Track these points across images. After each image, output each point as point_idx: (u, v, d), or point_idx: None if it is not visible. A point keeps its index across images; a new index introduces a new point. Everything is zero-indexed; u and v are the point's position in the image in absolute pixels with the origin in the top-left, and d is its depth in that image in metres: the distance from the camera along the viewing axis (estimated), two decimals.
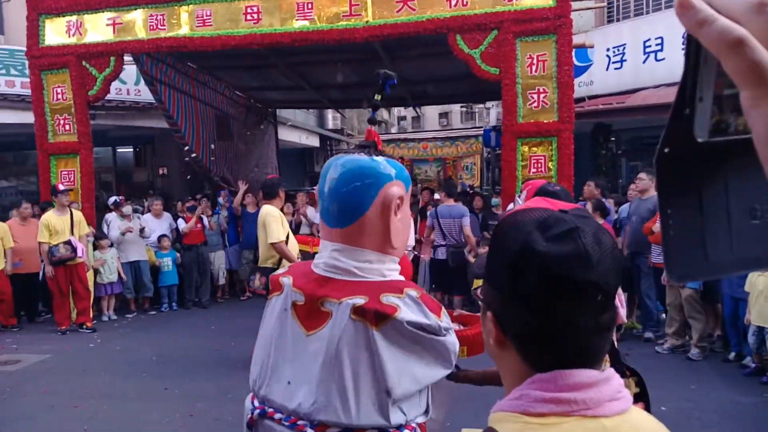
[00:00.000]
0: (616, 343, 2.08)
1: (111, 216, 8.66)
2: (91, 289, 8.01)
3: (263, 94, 13.25)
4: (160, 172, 12.81)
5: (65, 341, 7.31)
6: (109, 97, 8.74)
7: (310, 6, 7.33)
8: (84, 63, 7.83)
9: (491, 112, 24.97)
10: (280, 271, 1.86)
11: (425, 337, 1.58)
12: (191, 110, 10.23)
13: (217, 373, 5.75)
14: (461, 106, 33.58)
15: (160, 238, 8.87)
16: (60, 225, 7.54)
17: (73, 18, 7.80)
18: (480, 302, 0.90)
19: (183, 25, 7.55)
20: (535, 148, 7.20)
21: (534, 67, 7.04)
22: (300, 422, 1.61)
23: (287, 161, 16.75)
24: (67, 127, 7.99)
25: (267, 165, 13.94)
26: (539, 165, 7.19)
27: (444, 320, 1.62)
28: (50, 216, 7.59)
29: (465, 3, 7.18)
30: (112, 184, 13.24)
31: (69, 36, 7.84)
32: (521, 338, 0.81)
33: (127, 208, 8.72)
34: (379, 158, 1.71)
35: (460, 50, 7.23)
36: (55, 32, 7.88)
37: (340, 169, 1.67)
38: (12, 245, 7.93)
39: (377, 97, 1.92)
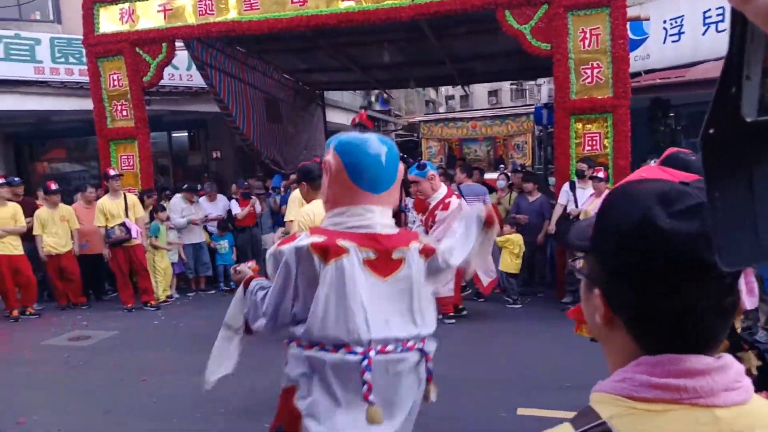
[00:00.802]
0: (738, 329, 2.04)
1: (176, 200, 8.90)
2: (163, 269, 8.33)
3: (311, 76, 13.34)
4: (214, 155, 13.08)
5: (131, 318, 7.62)
6: (162, 82, 8.95)
7: None
8: (138, 50, 8.04)
9: (543, 89, 24.44)
10: (311, 239, 2.07)
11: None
12: (241, 94, 10.39)
13: (276, 348, 5.86)
14: (511, 84, 33.03)
15: (219, 224, 9.12)
16: (115, 209, 7.83)
17: (126, 5, 8.00)
18: (580, 276, 0.85)
19: (231, 9, 7.64)
20: (589, 125, 7.02)
21: (587, 42, 6.84)
22: (409, 344, 2.11)
23: None
24: (124, 112, 8.24)
25: (315, 147, 14.07)
26: (594, 142, 7.01)
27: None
28: (105, 201, 7.90)
29: None
30: (168, 168, 13.62)
31: (122, 23, 8.06)
32: (633, 318, 0.76)
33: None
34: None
35: (509, 26, 7.07)
36: (109, 20, 8.11)
37: (383, 145, 2.12)
38: (77, 227, 8.30)
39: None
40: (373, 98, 22.33)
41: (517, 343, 5.86)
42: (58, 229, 8.16)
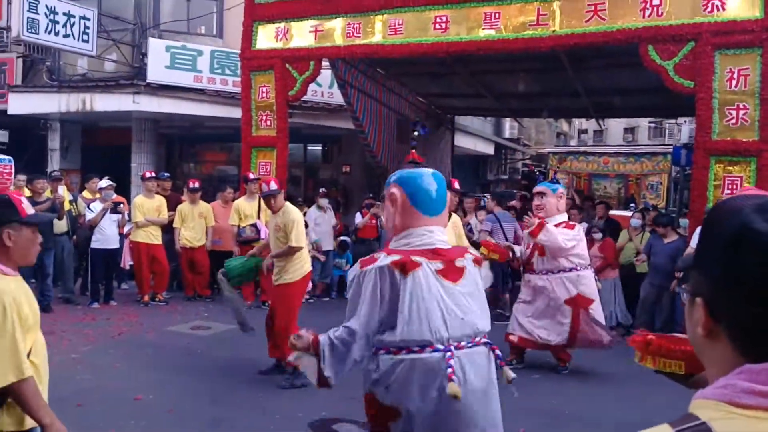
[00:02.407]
0: None
1: (312, 209, 9.42)
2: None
3: (443, 100, 13.58)
4: (344, 169, 13.66)
5: (250, 315, 8.06)
6: (305, 98, 9.54)
7: (497, 15, 7.43)
8: (287, 65, 8.65)
9: (683, 129, 23.07)
10: (391, 258, 2.46)
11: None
12: (375, 113, 10.82)
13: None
14: (650, 121, 31.48)
15: (339, 244, 9.55)
16: (249, 210, 8.43)
17: (282, 25, 8.65)
18: (687, 295, 0.88)
19: (376, 33, 8.04)
20: (730, 168, 6.64)
21: (734, 82, 6.50)
22: (476, 339, 2.48)
23: (460, 167, 16.97)
24: (268, 122, 8.89)
25: (441, 169, 14.21)
26: (734, 186, 6.60)
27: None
28: (241, 202, 8.54)
29: (660, 13, 6.82)
30: (301, 178, 14.39)
31: (277, 41, 8.72)
32: (736, 326, 0.78)
33: (324, 201, 9.49)
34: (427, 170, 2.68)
35: (652, 61, 6.88)
36: (266, 37, 8.81)
37: (433, 176, 2.61)
38: (213, 224, 9.02)
39: (415, 132, 2.69)
40: (507, 125, 22.20)
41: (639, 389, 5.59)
42: (195, 224, 8.90)
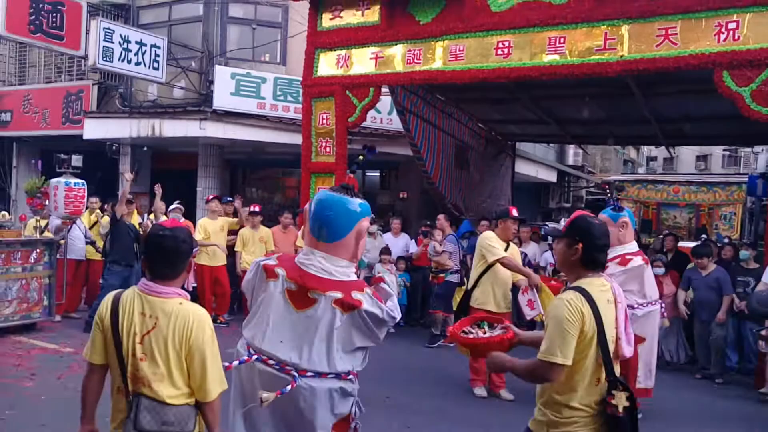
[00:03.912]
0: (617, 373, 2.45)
1: None
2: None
3: (504, 126, 13.39)
4: (401, 195, 13.61)
5: None
6: (364, 124, 9.56)
7: (562, 40, 7.24)
8: (347, 92, 8.69)
9: (760, 158, 21.99)
10: (270, 261, 2.71)
11: (373, 320, 2.54)
12: (434, 139, 10.74)
13: (434, 392, 5.90)
14: (723, 149, 30.20)
15: (397, 259, 9.41)
16: (211, 228, 8.70)
17: (343, 52, 8.73)
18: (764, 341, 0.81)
19: (437, 59, 7.98)
20: None
21: None
22: (287, 368, 2.52)
23: (521, 194, 16.63)
24: (327, 149, 8.93)
25: (500, 196, 14.00)
26: None
27: (389, 305, 2.60)
28: (204, 221, 8.86)
29: (736, 37, 6.46)
30: None
31: (338, 68, 8.79)
32: None
33: (373, 227, 9.44)
34: (355, 198, 2.58)
35: (727, 87, 6.51)
36: (327, 64, 8.90)
37: (329, 202, 2.55)
38: (273, 249, 9.09)
39: (360, 158, 2.73)
40: (571, 152, 21.66)
41: None
42: (256, 248, 9.00)
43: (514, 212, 5.97)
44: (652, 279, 5.55)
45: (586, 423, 2.39)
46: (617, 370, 2.46)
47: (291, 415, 2.56)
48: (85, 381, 2.55)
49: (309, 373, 2.51)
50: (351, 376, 2.60)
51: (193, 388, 2.40)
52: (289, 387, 2.48)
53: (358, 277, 2.70)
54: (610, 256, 5.22)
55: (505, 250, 5.70)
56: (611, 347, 2.40)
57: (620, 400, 2.32)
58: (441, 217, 9.03)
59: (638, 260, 5.39)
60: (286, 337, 2.54)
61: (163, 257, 2.43)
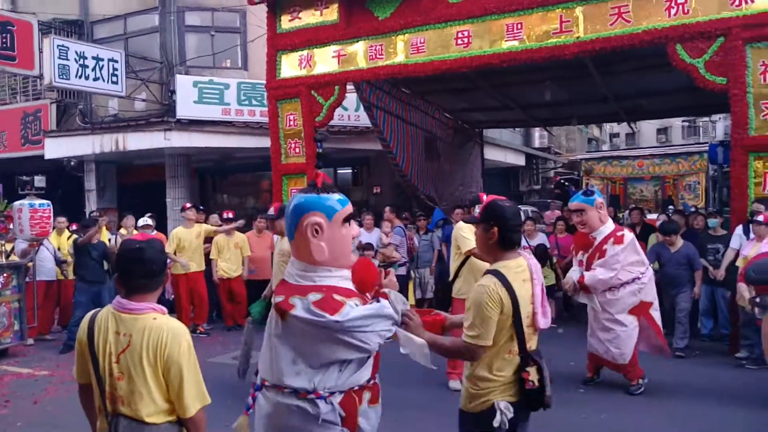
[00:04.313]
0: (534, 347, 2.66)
1: None
2: None
3: (470, 115, 13.54)
4: (374, 190, 13.66)
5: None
6: (332, 122, 9.57)
7: (519, 26, 7.37)
8: (312, 92, 8.71)
9: (718, 126, 22.62)
10: None
11: (318, 329, 2.09)
12: (402, 132, 10.81)
13: (404, 384, 5.85)
14: (683, 121, 30.90)
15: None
16: (187, 237, 8.56)
17: (305, 52, 8.73)
18: (758, 308, 0.88)
19: (399, 53, 8.05)
20: None
21: None
22: (259, 375, 2.31)
23: (492, 180, 16.83)
24: (297, 150, 8.93)
25: (471, 184, 14.15)
26: None
27: (337, 316, 2.08)
28: (180, 230, 8.70)
29: (686, 11, 6.69)
30: None
31: (300, 68, 8.80)
32: None
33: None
34: (322, 194, 2.24)
35: (681, 60, 6.73)
36: (290, 66, 8.90)
37: (290, 202, 2.29)
38: (248, 254, 9.06)
39: (320, 151, 2.52)
40: (537, 135, 21.97)
41: (689, 404, 5.34)
42: (231, 255, 8.95)
43: (485, 198, 6.02)
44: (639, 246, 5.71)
45: (502, 390, 2.60)
46: (534, 343, 2.67)
47: None
48: (80, 399, 2.57)
49: (267, 383, 2.26)
50: (314, 397, 2.15)
51: (174, 403, 2.36)
52: (250, 399, 2.34)
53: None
54: (603, 236, 5.44)
55: None
56: (526, 322, 2.60)
57: (533, 374, 2.58)
58: (387, 209, 9.04)
59: (629, 234, 5.55)
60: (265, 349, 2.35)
61: (140, 268, 2.37)
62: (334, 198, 2.25)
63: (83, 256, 7.96)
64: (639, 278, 5.40)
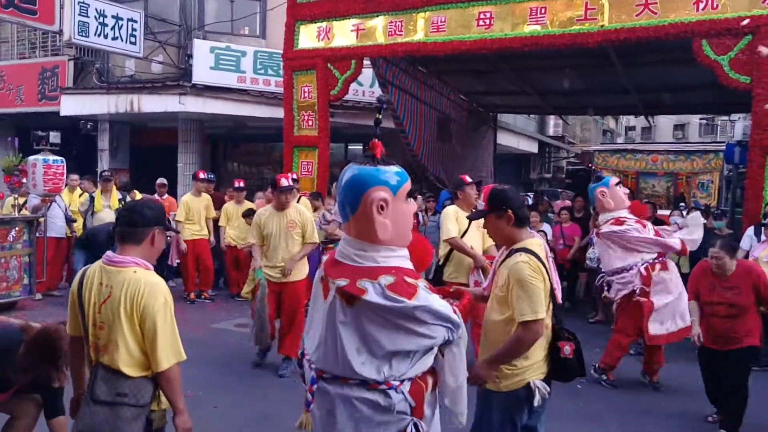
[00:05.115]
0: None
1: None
2: None
3: (486, 98, 13.42)
4: None
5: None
6: (346, 97, 9.52)
7: (543, 11, 7.26)
8: (329, 65, 8.65)
9: (737, 126, 22.34)
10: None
11: (392, 315, 1.92)
12: (416, 112, 10.74)
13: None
14: (701, 118, 30.52)
15: None
16: (196, 206, 8.63)
17: (324, 24, 8.65)
18: None
19: (419, 30, 7.96)
20: None
21: None
22: (313, 366, 2.08)
23: (503, 166, 16.76)
24: (310, 122, 8.91)
25: (482, 168, 14.09)
26: None
27: (415, 301, 1.92)
28: (189, 198, 8.75)
29: (715, 6, 6.56)
30: None
31: (318, 40, 8.73)
32: None
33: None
34: (380, 166, 2.03)
35: (706, 56, 6.62)
36: (308, 37, 8.82)
37: (345, 174, 2.06)
38: None
39: (378, 116, 2.23)
40: (551, 123, 21.76)
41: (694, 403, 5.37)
42: (240, 223, 8.99)
43: (468, 178, 5.93)
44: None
45: (537, 368, 2.65)
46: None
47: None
48: (70, 351, 2.72)
49: (326, 375, 2.06)
50: (385, 387, 1.98)
51: (149, 357, 2.45)
52: (308, 395, 2.11)
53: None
54: (605, 220, 5.45)
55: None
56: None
57: (567, 345, 2.66)
58: (334, 185, 8.85)
59: (629, 221, 5.47)
60: (314, 331, 2.14)
61: (124, 216, 2.53)
62: (395, 170, 2.06)
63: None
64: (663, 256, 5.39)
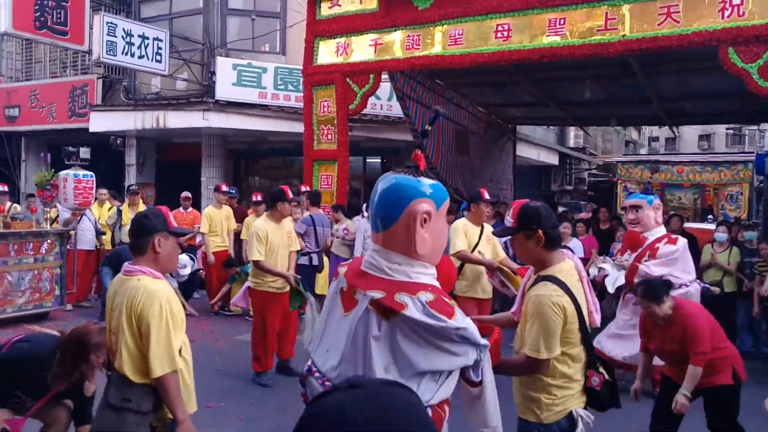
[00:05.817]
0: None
1: (363, 220, 9.44)
2: None
3: (505, 110, 13.36)
4: None
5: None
6: (365, 111, 9.56)
7: (562, 21, 7.22)
8: (347, 80, 8.71)
9: (766, 135, 21.89)
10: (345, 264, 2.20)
11: (430, 334, 1.81)
12: (434, 125, 10.72)
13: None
14: (727, 128, 29.98)
15: None
16: (218, 217, 8.85)
17: (342, 39, 8.73)
18: None
19: (436, 44, 7.98)
20: None
21: None
22: (327, 383, 1.93)
23: (523, 178, 16.62)
24: (329, 136, 8.97)
25: (501, 180, 14.01)
26: None
27: (455, 322, 1.82)
28: (211, 210, 9.01)
29: (741, 13, 6.40)
30: (360, 191, 14.44)
31: (337, 56, 8.80)
32: None
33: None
34: (421, 178, 1.96)
35: (733, 64, 6.44)
36: (327, 52, 8.91)
37: (383, 184, 1.97)
38: None
39: (427, 127, 2.19)
40: (572, 134, 21.58)
41: None
42: None
43: (486, 195, 5.86)
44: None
45: (577, 396, 2.56)
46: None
47: None
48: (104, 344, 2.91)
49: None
50: None
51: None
52: None
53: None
54: (655, 236, 5.19)
55: (481, 232, 5.68)
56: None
57: (604, 373, 2.56)
58: (304, 195, 8.70)
59: (683, 239, 5.33)
60: (331, 346, 2.01)
61: (130, 231, 2.72)
62: (438, 185, 2.00)
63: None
64: (687, 285, 5.11)
